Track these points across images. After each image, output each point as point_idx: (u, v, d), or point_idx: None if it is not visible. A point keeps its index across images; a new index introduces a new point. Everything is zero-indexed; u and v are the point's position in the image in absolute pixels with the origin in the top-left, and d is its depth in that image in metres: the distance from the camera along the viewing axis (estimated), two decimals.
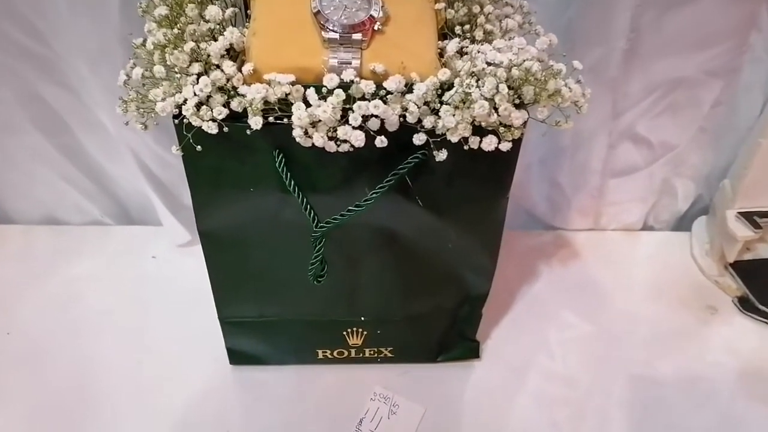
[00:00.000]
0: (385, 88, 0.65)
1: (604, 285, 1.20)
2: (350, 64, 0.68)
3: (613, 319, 1.13)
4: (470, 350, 0.99)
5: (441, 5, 0.74)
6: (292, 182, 0.71)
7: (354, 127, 0.64)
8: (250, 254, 0.82)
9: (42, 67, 0.99)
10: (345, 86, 0.64)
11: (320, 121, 0.64)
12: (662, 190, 1.18)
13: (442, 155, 0.68)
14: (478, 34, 0.73)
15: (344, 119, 0.64)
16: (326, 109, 0.63)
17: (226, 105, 0.66)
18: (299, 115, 0.64)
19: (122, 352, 1.00)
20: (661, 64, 0.93)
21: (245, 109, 0.65)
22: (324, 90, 0.64)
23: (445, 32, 0.77)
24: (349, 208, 0.71)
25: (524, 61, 0.67)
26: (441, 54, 0.73)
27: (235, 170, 0.73)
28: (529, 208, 1.22)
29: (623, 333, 1.10)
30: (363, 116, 0.64)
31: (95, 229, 1.21)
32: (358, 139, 0.64)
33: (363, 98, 0.64)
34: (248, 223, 0.78)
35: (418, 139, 0.67)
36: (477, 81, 0.66)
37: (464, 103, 0.65)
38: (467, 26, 0.75)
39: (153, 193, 1.11)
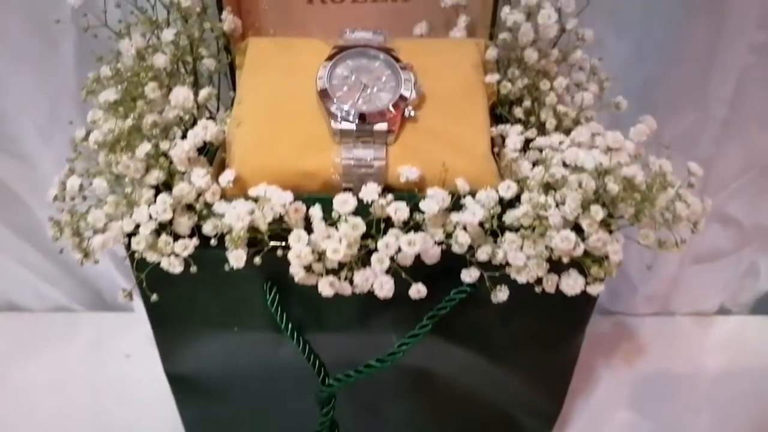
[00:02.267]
0: (421, 211, 0.45)
1: (671, 379, 1.00)
2: (371, 167, 0.48)
3: (681, 418, 0.92)
4: None
5: (494, 77, 0.54)
6: (290, 325, 0.52)
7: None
8: (234, 403, 0.62)
9: None
10: (365, 208, 0.44)
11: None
12: (747, 272, 0.97)
13: (501, 295, 0.48)
14: (548, 120, 0.53)
15: (363, 248, 0.45)
16: (337, 248, 0.43)
17: (196, 229, 0.47)
18: (299, 250, 0.44)
19: None
20: (765, 137, 0.73)
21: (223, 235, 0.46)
22: (335, 214, 0.44)
23: (498, 111, 0.57)
24: (369, 363, 0.51)
25: (620, 165, 0.46)
26: (495, 143, 0.53)
27: (211, 306, 0.53)
28: None
29: None
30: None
31: (59, 317, 1.01)
32: (385, 287, 0.44)
33: (390, 223, 0.45)
34: (231, 368, 0.58)
35: (469, 275, 0.47)
36: (554, 195, 0.46)
37: (535, 230, 0.45)
38: (528, 102, 0.55)
39: (122, 278, 0.91)
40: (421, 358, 0.58)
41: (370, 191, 0.44)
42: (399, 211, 0.43)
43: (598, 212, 0.44)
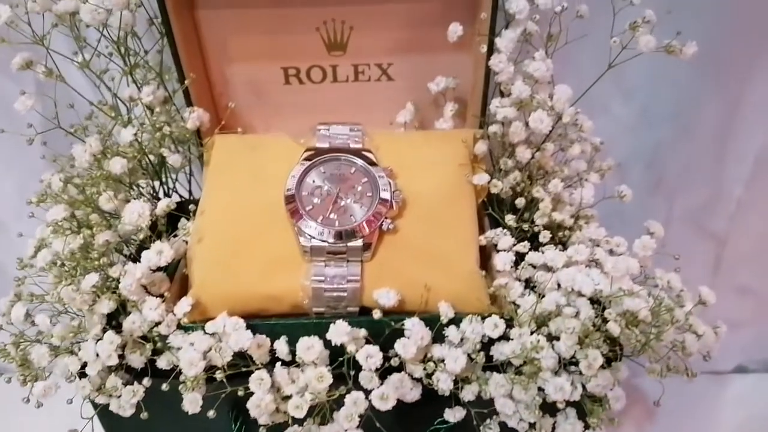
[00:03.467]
0: (397, 353, 0.40)
1: None
2: (344, 290, 0.44)
3: None
4: None
5: (482, 179, 0.49)
6: None
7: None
8: None
9: None
10: (337, 349, 0.40)
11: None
12: (762, 332, 0.91)
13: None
14: (542, 233, 0.47)
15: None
16: (300, 404, 0.38)
17: (148, 366, 0.42)
18: (259, 399, 0.39)
19: None
20: None
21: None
22: (300, 358, 0.40)
23: (487, 210, 0.52)
24: None
25: (621, 292, 0.41)
26: (484, 250, 0.48)
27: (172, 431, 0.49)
28: None
29: None
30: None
31: None
32: None
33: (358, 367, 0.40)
34: None
35: (453, 415, 0.43)
36: (547, 333, 0.40)
37: (526, 371, 0.40)
38: (521, 200, 0.50)
39: None
40: None
41: (339, 332, 0.39)
42: (370, 358, 0.38)
43: (597, 358, 0.38)
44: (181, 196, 0.60)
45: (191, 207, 0.48)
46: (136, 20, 0.50)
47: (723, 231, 0.69)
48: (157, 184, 0.56)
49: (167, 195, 0.58)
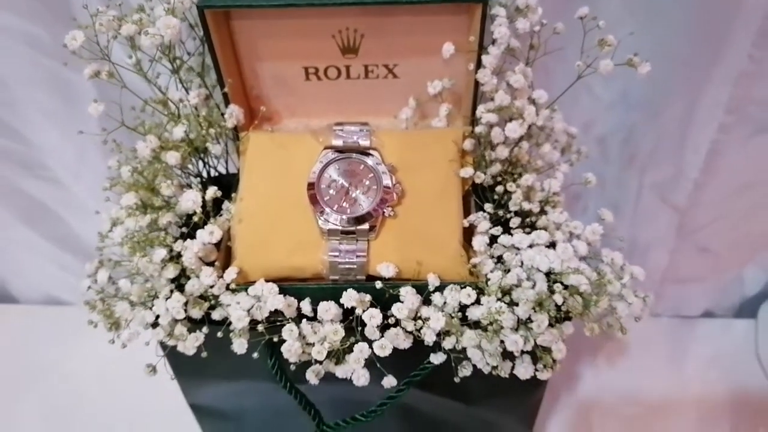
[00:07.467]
0: (393, 314, 0.53)
1: (651, 387, 1.06)
2: (354, 264, 0.56)
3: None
4: None
5: (468, 172, 0.60)
6: (288, 384, 0.61)
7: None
8: (244, 424, 0.73)
9: (22, 163, 0.90)
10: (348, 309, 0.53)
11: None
12: (731, 280, 1.02)
13: (465, 371, 0.56)
14: (513, 220, 0.58)
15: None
16: (321, 350, 0.51)
17: (206, 317, 0.56)
18: (290, 346, 0.53)
19: None
20: (741, 197, 0.76)
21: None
22: (320, 317, 0.52)
23: (472, 198, 0.63)
24: (355, 415, 0.61)
25: (570, 271, 0.53)
26: (468, 229, 0.60)
27: (221, 365, 0.62)
28: None
29: None
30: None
31: None
32: (361, 379, 0.53)
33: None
34: (241, 403, 0.69)
35: (437, 358, 0.56)
36: (510, 301, 0.53)
37: (490, 329, 0.52)
38: (500, 187, 0.61)
39: None
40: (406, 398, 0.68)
41: (350, 298, 0.52)
42: (373, 318, 0.51)
43: (543, 321, 0.51)
44: (218, 172, 0.71)
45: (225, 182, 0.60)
46: (181, 32, 0.60)
47: (683, 205, 0.80)
48: (200, 164, 0.68)
49: (209, 174, 0.70)
